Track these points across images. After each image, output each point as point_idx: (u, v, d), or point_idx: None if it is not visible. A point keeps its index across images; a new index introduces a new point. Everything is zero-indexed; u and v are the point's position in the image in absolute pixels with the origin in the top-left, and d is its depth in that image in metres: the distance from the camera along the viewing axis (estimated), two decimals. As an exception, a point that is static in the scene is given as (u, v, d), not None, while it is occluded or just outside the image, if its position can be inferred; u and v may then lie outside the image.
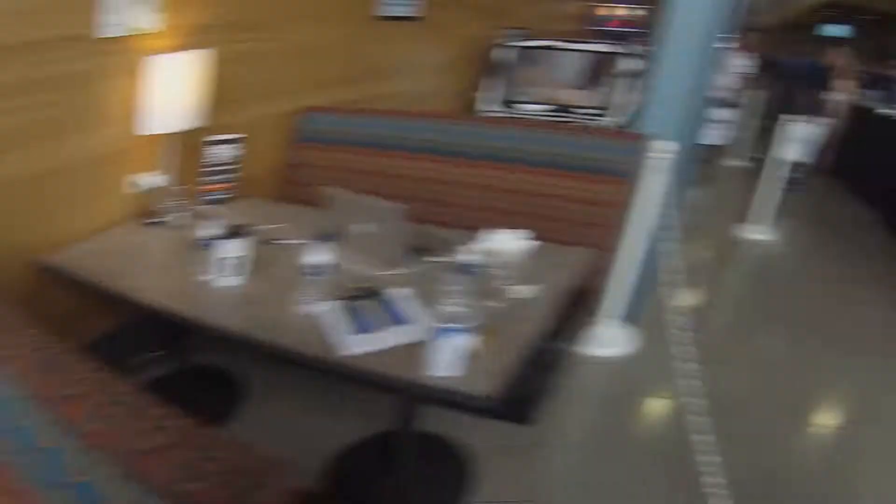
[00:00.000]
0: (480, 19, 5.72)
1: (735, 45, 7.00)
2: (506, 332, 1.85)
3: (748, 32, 7.41)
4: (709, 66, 3.47)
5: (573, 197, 2.99)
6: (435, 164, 3.22)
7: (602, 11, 8.93)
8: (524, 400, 2.73)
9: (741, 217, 5.86)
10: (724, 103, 7.30)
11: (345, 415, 2.71)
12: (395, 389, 1.83)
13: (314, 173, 3.34)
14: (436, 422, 2.55)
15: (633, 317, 3.59)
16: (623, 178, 3.03)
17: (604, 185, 2.99)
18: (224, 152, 2.90)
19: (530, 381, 2.53)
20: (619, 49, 5.32)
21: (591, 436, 2.90)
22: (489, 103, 5.26)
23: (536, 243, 2.37)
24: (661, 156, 3.13)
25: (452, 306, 1.61)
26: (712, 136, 7.11)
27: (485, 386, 1.64)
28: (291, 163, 3.50)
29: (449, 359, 1.64)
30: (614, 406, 3.09)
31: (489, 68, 5.35)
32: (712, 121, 7.03)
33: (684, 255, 3.60)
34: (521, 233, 2.38)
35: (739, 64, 7.22)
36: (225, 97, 2.90)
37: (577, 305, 2.55)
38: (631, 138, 3.27)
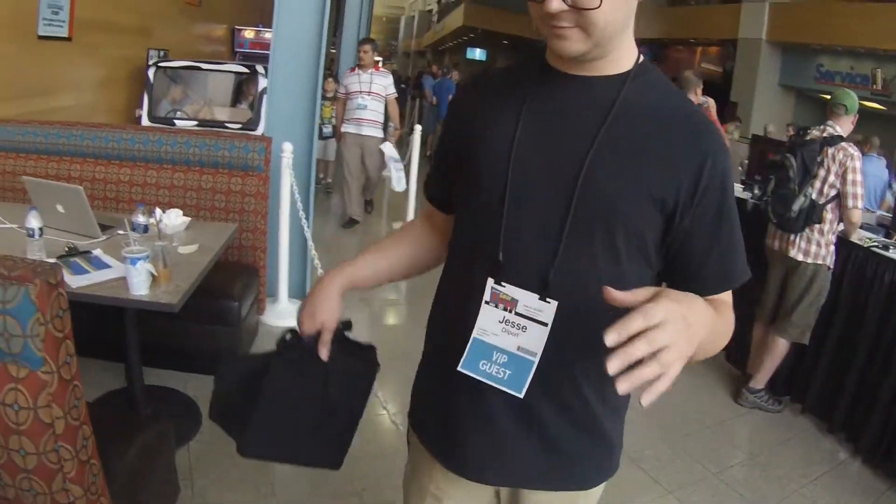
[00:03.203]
0: (127, 41, 6.45)
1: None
2: (175, 272, 2.67)
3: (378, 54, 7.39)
4: (313, 83, 4.49)
5: (216, 189, 4.01)
6: (104, 166, 4.02)
7: (246, 34, 10.31)
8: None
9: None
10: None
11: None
12: (112, 306, 2.55)
13: (6, 179, 4.00)
14: (167, 381, 3.55)
15: (300, 290, 4.65)
16: (253, 171, 4.06)
17: (238, 178, 4.01)
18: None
19: (236, 344, 3.69)
20: (257, 68, 6.02)
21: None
22: (149, 118, 5.91)
23: (189, 219, 3.34)
24: (283, 154, 4.25)
25: (137, 248, 2.47)
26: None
27: (167, 298, 2.50)
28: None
29: (139, 281, 2.46)
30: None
31: (148, 87, 6.00)
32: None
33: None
34: (178, 212, 3.31)
35: (381, 83, 7.01)
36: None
37: (247, 277, 3.93)
38: (257, 140, 4.17)
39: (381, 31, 29.98)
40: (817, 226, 3.74)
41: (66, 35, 4.97)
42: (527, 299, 1.15)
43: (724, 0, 15.86)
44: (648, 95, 1.15)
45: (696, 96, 5.38)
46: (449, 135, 1.36)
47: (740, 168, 6.05)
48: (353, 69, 7.23)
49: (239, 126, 5.82)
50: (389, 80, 7.21)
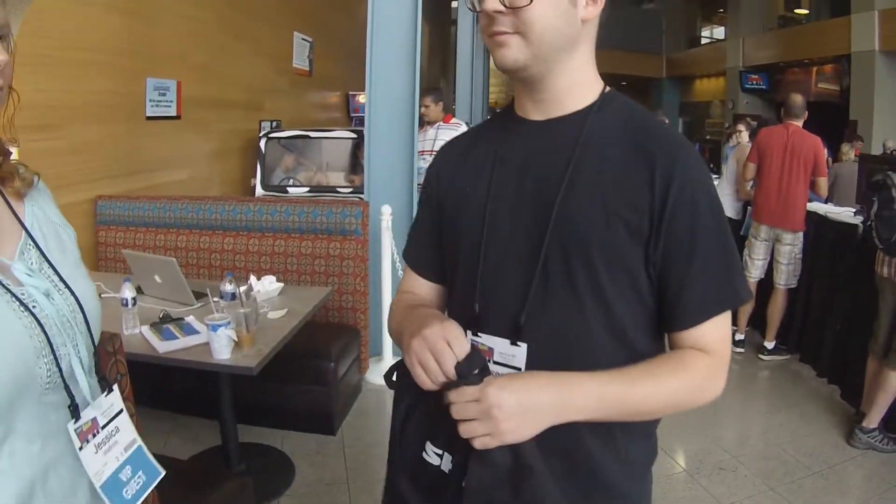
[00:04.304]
0: (237, 115, 6.78)
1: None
2: (261, 336, 2.88)
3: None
4: (409, 143, 4.65)
5: (315, 254, 4.32)
6: (208, 237, 4.46)
7: (360, 99, 9.90)
8: (328, 416, 3.90)
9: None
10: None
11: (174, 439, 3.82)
12: (196, 370, 2.79)
13: (117, 251, 4.43)
14: (265, 438, 3.78)
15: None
16: (351, 235, 4.31)
17: (337, 242, 4.31)
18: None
19: (331, 403, 3.87)
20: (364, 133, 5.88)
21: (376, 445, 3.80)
22: (263, 187, 6.16)
23: (282, 285, 3.67)
24: (382, 217, 4.44)
25: (219, 316, 2.71)
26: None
27: (246, 362, 2.69)
28: (99, 242, 4.58)
29: (220, 346, 2.68)
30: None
31: (260, 157, 6.24)
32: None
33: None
34: (272, 278, 3.67)
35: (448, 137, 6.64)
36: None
37: (347, 338, 4.13)
38: (354, 205, 4.38)
39: (502, 83, 30.41)
40: (927, 247, 3.49)
41: (174, 114, 5.37)
42: (501, 346, 1.17)
43: (834, 14, 15.31)
44: (614, 123, 1.19)
45: (803, 120, 5.11)
46: (429, 203, 1.39)
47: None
48: (422, 127, 6.84)
49: (350, 190, 6.06)
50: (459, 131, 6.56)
